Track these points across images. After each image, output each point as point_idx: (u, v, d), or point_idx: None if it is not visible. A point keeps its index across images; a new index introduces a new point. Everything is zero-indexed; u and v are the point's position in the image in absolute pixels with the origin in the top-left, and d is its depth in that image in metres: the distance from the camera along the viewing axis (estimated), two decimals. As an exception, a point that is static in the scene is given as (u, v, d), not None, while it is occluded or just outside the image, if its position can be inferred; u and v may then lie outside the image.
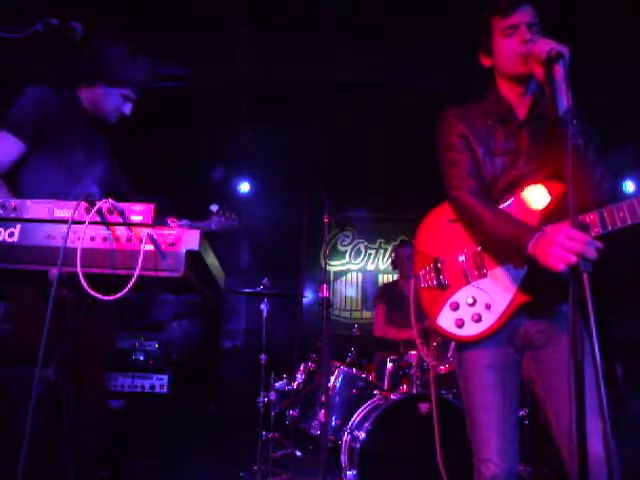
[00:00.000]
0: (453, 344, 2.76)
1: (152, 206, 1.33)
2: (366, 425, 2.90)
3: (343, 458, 3.04)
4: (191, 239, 1.30)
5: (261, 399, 3.61)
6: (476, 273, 1.69)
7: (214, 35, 4.79)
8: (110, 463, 3.30)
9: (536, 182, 1.66)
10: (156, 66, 2.21)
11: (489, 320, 1.64)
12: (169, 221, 2.03)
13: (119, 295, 1.24)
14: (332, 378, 3.37)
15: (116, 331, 2.31)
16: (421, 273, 1.81)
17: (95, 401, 2.17)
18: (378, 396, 3.21)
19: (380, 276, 7.11)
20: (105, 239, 1.31)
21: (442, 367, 3.13)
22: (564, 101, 1.45)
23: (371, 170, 6.09)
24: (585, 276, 1.24)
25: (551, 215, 1.60)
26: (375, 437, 2.85)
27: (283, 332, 6.14)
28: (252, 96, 5.48)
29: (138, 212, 1.32)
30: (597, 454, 1.31)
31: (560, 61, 1.44)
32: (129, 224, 1.31)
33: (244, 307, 6.55)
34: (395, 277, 7.04)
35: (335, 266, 7.07)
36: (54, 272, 1.25)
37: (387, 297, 4.31)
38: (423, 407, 2.89)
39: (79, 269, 1.24)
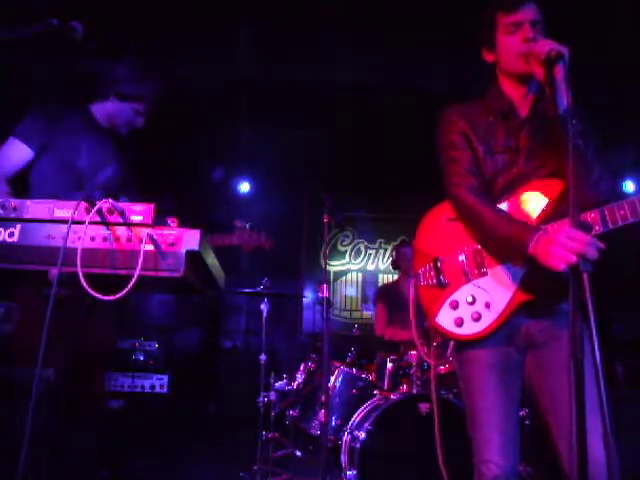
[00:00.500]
0: (452, 343, 2.76)
1: (152, 206, 1.33)
2: (366, 425, 2.90)
3: (343, 458, 3.04)
4: (191, 239, 1.30)
5: (261, 399, 3.61)
6: (476, 272, 1.69)
7: (214, 35, 4.79)
8: (110, 463, 3.30)
9: (536, 180, 1.66)
10: (164, 79, 2.28)
11: (489, 319, 1.64)
12: (169, 221, 2.05)
13: (119, 295, 1.24)
14: (332, 378, 3.37)
15: (117, 331, 2.32)
16: (421, 272, 1.81)
17: (95, 401, 2.17)
18: (378, 396, 3.21)
19: (380, 276, 7.11)
20: (105, 239, 1.31)
21: (442, 367, 3.13)
22: (564, 101, 1.45)
23: (371, 170, 6.09)
24: (585, 276, 1.24)
25: (550, 214, 1.60)
26: (375, 437, 2.85)
27: (283, 332, 6.14)
28: (252, 96, 5.47)
29: (138, 212, 1.32)
30: (597, 456, 1.31)
31: (560, 61, 1.44)
32: (129, 224, 1.31)
33: (244, 307, 6.55)
34: (395, 277, 7.05)
35: (335, 266, 7.07)
36: (54, 272, 1.25)
37: (387, 297, 4.31)
38: (423, 407, 2.89)
39: (79, 269, 1.24)
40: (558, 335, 1.62)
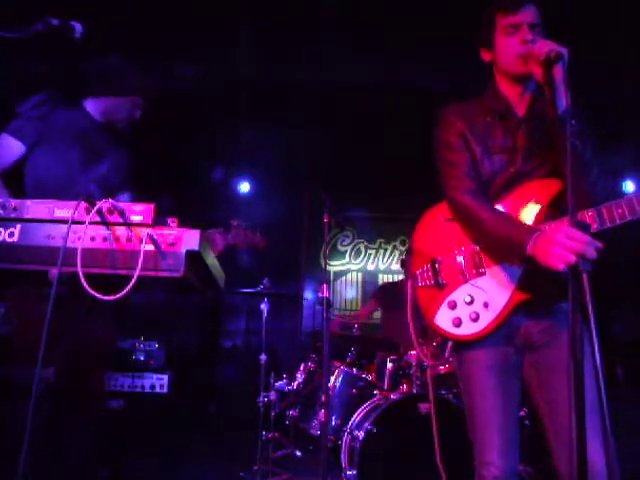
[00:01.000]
0: (450, 343, 2.76)
1: (152, 206, 1.33)
2: (366, 425, 2.90)
3: (343, 458, 3.05)
4: (191, 239, 1.29)
5: (261, 399, 3.61)
6: (474, 272, 1.69)
7: (214, 35, 4.79)
8: (110, 463, 3.30)
9: (534, 180, 1.66)
10: (164, 79, 2.29)
11: (487, 319, 1.64)
12: (169, 221, 2.06)
13: (119, 295, 1.24)
14: (332, 378, 3.38)
15: (116, 331, 2.32)
16: (418, 272, 1.81)
17: (94, 401, 2.17)
18: (378, 396, 3.21)
19: (380, 276, 7.11)
20: (105, 239, 1.31)
21: (442, 367, 3.13)
22: (563, 101, 1.45)
23: (371, 170, 6.09)
24: (585, 276, 1.24)
25: (547, 214, 1.60)
26: (375, 437, 2.85)
27: (283, 332, 6.15)
28: (252, 96, 5.48)
29: (138, 212, 1.32)
30: (595, 458, 1.31)
31: (559, 62, 1.45)
32: (129, 224, 1.31)
33: (244, 307, 6.55)
34: (395, 278, 7.05)
35: (335, 266, 7.08)
36: (54, 272, 1.25)
37: (384, 297, 4.31)
38: (423, 407, 2.89)
39: (79, 269, 1.24)
40: (557, 335, 1.62)
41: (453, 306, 1.69)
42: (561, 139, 1.38)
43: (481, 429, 1.63)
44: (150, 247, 1.28)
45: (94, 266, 1.29)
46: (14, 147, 2.08)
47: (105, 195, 1.39)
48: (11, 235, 1.31)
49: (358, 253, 7.14)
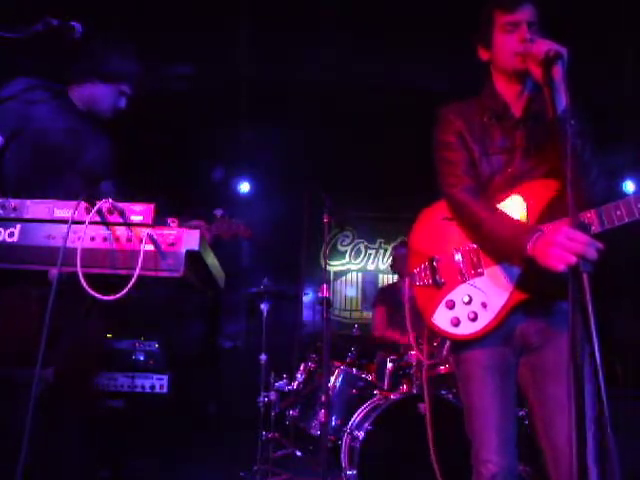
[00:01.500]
0: (448, 343, 2.76)
1: (152, 206, 1.33)
2: (366, 425, 2.90)
3: (343, 458, 3.05)
4: (191, 239, 1.30)
5: (261, 399, 3.61)
6: (472, 271, 1.69)
7: (214, 35, 4.79)
8: (110, 463, 3.30)
9: (532, 180, 1.65)
10: (164, 78, 2.24)
11: (485, 319, 1.63)
12: (169, 221, 2.04)
13: (119, 295, 1.24)
14: (332, 378, 3.38)
15: (105, 331, 2.29)
16: (416, 271, 1.80)
17: (91, 401, 2.16)
18: (378, 396, 3.21)
19: (380, 276, 7.11)
20: (105, 239, 1.31)
21: (442, 367, 3.13)
22: (562, 101, 1.45)
23: (371, 170, 6.09)
24: (585, 277, 1.23)
25: (546, 214, 1.59)
26: (375, 437, 2.86)
27: (283, 332, 6.14)
28: (252, 96, 5.48)
29: (138, 212, 1.32)
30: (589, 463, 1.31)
31: (558, 62, 1.44)
32: (129, 224, 1.31)
33: (244, 307, 6.55)
34: (395, 278, 7.04)
35: (335, 266, 7.07)
36: (54, 272, 1.25)
37: (387, 300, 4.31)
38: (423, 407, 2.89)
39: (79, 269, 1.24)
40: (555, 336, 1.62)
41: (451, 306, 1.69)
42: (560, 139, 1.38)
43: (479, 428, 1.63)
44: (150, 247, 1.28)
45: (94, 266, 1.29)
46: None
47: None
48: (11, 235, 1.31)
49: (358, 253, 7.14)
